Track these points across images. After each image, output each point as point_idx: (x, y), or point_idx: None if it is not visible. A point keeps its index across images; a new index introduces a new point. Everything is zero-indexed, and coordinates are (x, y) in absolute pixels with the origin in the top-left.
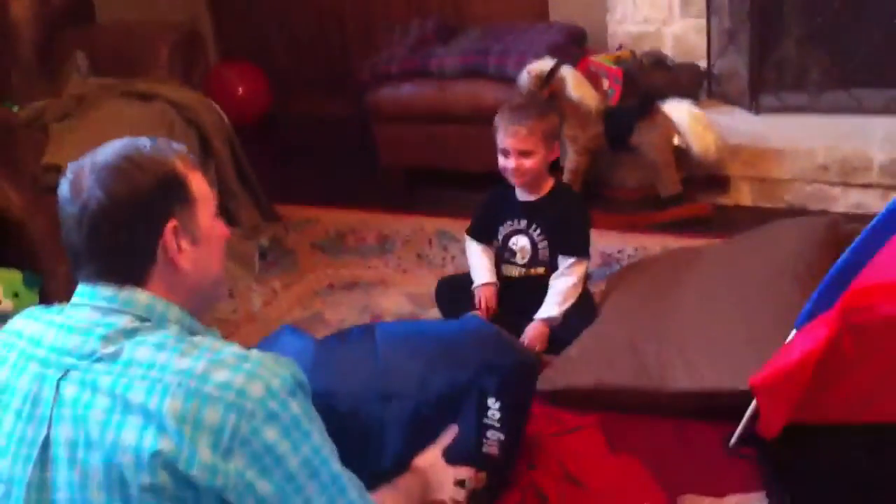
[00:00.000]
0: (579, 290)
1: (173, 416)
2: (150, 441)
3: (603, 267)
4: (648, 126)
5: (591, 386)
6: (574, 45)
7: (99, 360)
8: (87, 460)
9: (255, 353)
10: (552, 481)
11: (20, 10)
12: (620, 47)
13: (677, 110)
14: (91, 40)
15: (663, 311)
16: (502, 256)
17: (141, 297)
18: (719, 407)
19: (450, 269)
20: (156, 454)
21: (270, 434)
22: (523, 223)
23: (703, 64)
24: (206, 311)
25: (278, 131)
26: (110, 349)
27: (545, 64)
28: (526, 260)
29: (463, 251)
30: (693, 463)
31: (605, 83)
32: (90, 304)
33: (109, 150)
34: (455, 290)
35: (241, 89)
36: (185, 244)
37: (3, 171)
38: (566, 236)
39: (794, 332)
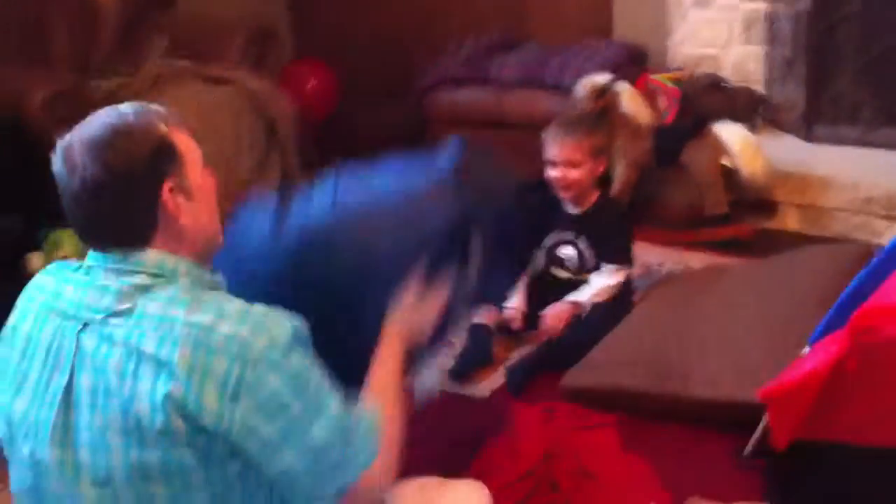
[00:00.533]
0: (613, 292)
1: (183, 365)
2: (163, 386)
3: (643, 277)
4: (698, 146)
5: (613, 387)
6: (633, 63)
7: (114, 314)
8: (107, 406)
9: (258, 307)
10: (566, 473)
11: None
12: (681, 68)
13: (729, 132)
14: (170, 26)
15: (690, 320)
16: (550, 261)
17: (150, 255)
18: (736, 417)
19: None
20: (167, 396)
21: (274, 382)
22: (570, 235)
23: (759, 89)
24: (209, 258)
25: (342, 129)
26: (125, 305)
27: (601, 78)
28: (574, 267)
29: None
30: (703, 469)
31: (662, 101)
32: (103, 267)
33: (96, 124)
34: None
35: (311, 86)
36: (181, 200)
37: None
38: (609, 246)
39: (807, 347)
